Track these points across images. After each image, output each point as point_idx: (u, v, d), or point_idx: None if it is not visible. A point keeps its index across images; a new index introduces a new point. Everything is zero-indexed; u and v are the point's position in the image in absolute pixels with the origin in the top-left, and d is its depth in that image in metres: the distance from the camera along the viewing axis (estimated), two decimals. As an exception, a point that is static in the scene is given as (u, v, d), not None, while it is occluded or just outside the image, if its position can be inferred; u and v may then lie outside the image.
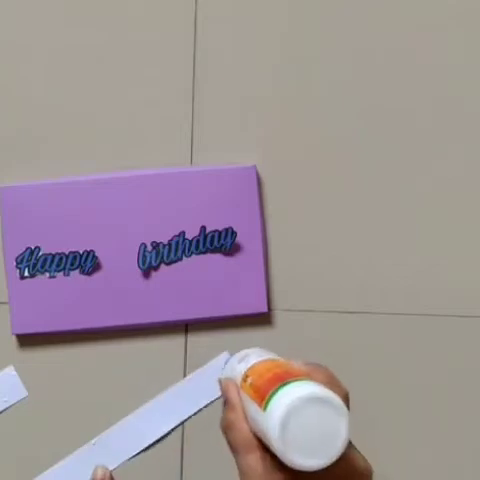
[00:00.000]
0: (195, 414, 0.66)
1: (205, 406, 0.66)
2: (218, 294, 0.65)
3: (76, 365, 0.66)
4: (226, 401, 0.49)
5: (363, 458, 0.47)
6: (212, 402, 0.66)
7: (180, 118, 0.67)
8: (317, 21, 0.68)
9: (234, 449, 0.46)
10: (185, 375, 0.66)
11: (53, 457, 0.65)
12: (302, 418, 0.41)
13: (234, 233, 0.65)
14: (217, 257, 0.65)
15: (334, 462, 0.42)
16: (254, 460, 0.45)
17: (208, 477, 0.66)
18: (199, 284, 0.65)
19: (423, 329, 0.66)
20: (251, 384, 0.47)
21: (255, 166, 0.66)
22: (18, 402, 0.66)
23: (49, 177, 0.66)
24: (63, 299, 0.65)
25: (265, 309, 0.65)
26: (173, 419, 0.66)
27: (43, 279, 0.65)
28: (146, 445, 0.65)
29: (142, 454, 0.66)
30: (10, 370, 0.66)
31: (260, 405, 0.44)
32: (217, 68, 0.67)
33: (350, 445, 0.46)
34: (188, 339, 0.66)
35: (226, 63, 0.67)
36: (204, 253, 0.65)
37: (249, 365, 0.50)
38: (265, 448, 0.45)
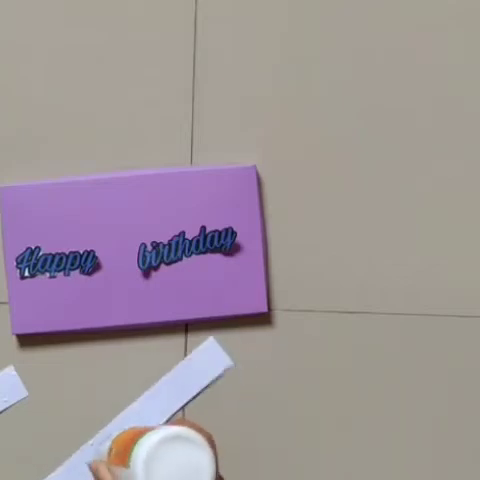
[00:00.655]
0: (186, 404, 0.66)
1: (196, 395, 0.66)
2: (218, 294, 0.65)
3: (76, 365, 0.66)
4: None
5: None
6: (203, 390, 0.65)
7: (180, 118, 0.67)
8: (317, 21, 0.68)
9: None
10: (185, 375, 0.66)
11: (53, 457, 0.65)
12: (162, 458, 0.43)
13: (234, 233, 0.65)
14: (217, 257, 0.65)
15: None
16: None
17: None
18: (199, 284, 0.65)
19: (423, 329, 0.66)
20: (115, 453, 0.49)
21: (255, 166, 0.66)
22: (18, 402, 0.66)
23: (49, 177, 0.66)
24: (63, 299, 0.65)
25: (265, 309, 0.65)
26: (166, 411, 0.65)
27: (43, 279, 0.65)
28: None
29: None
30: (10, 370, 0.66)
31: (124, 465, 0.45)
32: (217, 68, 0.67)
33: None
34: (188, 339, 0.66)
35: (226, 63, 0.67)
36: (204, 253, 0.65)
37: (112, 438, 0.52)
38: None
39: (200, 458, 0.43)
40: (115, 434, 0.52)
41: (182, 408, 0.65)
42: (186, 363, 0.65)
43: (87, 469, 0.52)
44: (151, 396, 0.65)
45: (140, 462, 0.43)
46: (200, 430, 0.47)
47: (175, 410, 0.65)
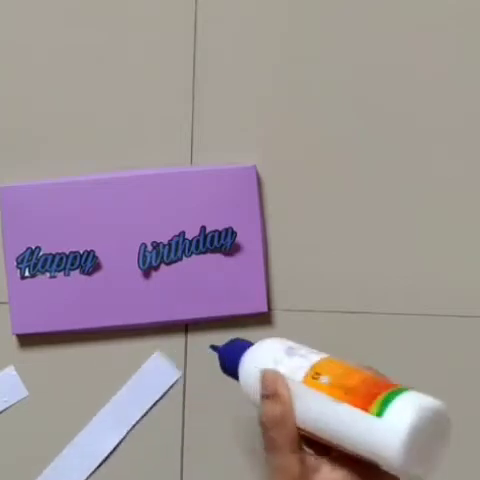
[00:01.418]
0: (141, 419, 0.66)
1: (149, 409, 0.66)
2: (218, 294, 0.65)
3: (76, 365, 0.66)
4: (273, 395, 0.45)
5: None
6: (155, 404, 0.65)
7: (180, 118, 0.67)
8: (317, 21, 0.68)
9: (275, 446, 0.44)
10: (185, 374, 0.66)
11: (53, 457, 0.65)
12: (423, 429, 0.40)
13: (234, 233, 0.65)
14: (217, 257, 0.65)
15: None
16: (295, 460, 0.44)
17: (208, 477, 0.66)
18: (199, 284, 0.65)
19: (423, 329, 0.66)
20: (334, 383, 0.44)
21: (255, 166, 0.66)
22: (18, 402, 0.66)
23: (49, 177, 0.66)
24: (63, 299, 0.65)
25: (265, 309, 0.65)
26: (120, 430, 0.65)
27: (43, 279, 0.65)
28: (99, 461, 0.65)
29: (142, 454, 0.66)
30: (10, 370, 0.66)
31: (364, 407, 0.41)
32: (217, 68, 0.67)
33: None
34: (188, 339, 0.66)
35: (226, 63, 0.67)
36: (204, 253, 0.65)
37: (315, 361, 0.47)
38: (303, 449, 0.44)
39: (445, 433, 0.42)
40: (316, 357, 0.47)
41: (137, 422, 0.65)
42: (136, 377, 0.66)
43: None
44: (106, 413, 0.65)
45: (407, 426, 0.39)
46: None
47: (129, 427, 0.65)
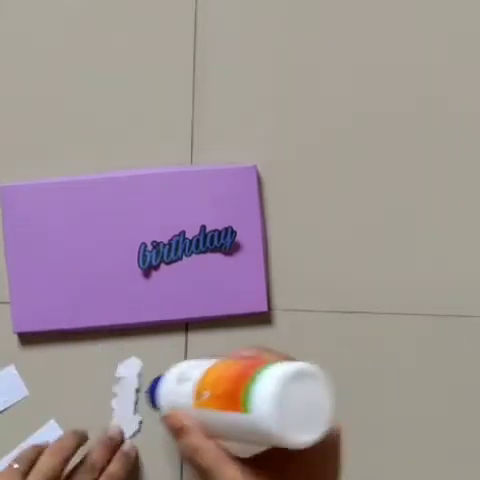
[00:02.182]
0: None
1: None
2: (218, 293, 0.65)
3: (77, 364, 0.66)
4: (178, 430, 0.47)
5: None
6: None
7: (180, 118, 0.67)
8: (317, 21, 0.68)
9: (208, 470, 0.45)
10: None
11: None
12: (291, 395, 0.41)
13: (234, 233, 0.65)
14: (217, 256, 0.65)
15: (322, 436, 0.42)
16: (233, 471, 0.44)
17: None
18: (199, 283, 0.65)
19: (423, 329, 0.66)
20: (212, 395, 0.46)
21: (255, 166, 0.66)
22: (19, 401, 0.66)
23: (49, 177, 0.66)
24: (64, 298, 0.65)
25: (265, 309, 0.65)
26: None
27: (44, 278, 0.65)
28: None
29: (143, 455, 0.66)
30: (11, 369, 0.66)
31: (234, 409, 0.43)
32: (217, 68, 0.67)
33: None
34: (188, 339, 0.66)
35: (226, 63, 0.68)
36: (204, 252, 0.65)
37: (197, 377, 0.48)
38: (237, 459, 0.44)
39: (324, 396, 0.43)
40: (197, 375, 0.48)
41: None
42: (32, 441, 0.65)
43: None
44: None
45: (268, 405, 0.41)
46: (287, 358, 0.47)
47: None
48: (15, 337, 0.66)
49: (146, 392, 0.55)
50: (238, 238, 0.65)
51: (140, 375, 0.65)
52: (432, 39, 0.68)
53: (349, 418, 0.66)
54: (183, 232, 0.65)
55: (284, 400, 0.41)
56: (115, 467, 0.61)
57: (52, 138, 0.67)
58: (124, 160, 0.67)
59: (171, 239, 0.65)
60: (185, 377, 0.49)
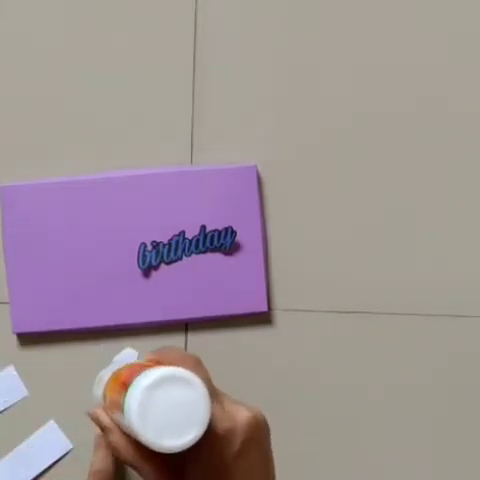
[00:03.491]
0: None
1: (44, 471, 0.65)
2: (218, 293, 0.65)
3: (76, 365, 0.66)
4: (100, 428, 0.49)
5: (246, 408, 0.46)
6: (50, 467, 0.65)
7: (180, 118, 0.67)
8: (318, 21, 0.68)
9: (130, 466, 0.46)
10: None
11: (53, 457, 0.65)
12: (156, 402, 0.42)
13: (234, 232, 0.65)
14: (217, 256, 0.65)
15: (201, 437, 0.42)
16: (153, 469, 0.45)
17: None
18: (199, 283, 0.65)
19: (423, 329, 0.66)
20: (110, 401, 0.48)
21: (255, 166, 0.66)
22: (18, 402, 0.66)
23: (49, 177, 0.66)
24: (64, 298, 0.65)
25: (265, 309, 0.65)
26: None
27: (44, 278, 0.65)
28: None
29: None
30: (10, 370, 0.66)
31: (119, 410, 0.44)
32: (217, 68, 0.67)
33: (224, 399, 0.46)
34: (188, 338, 0.66)
35: (226, 63, 0.68)
36: (204, 252, 0.65)
37: (103, 384, 0.51)
38: (157, 455, 0.44)
39: (196, 398, 0.42)
40: (106, 378, 0.52)
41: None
42: (30, 441, 0.65)
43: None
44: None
45: (134, 408, 0.42)
46: (186, 357, 0.48)
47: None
48: (14, 337, 0.66)
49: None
50: (238, 238, 0.65)
51: None
52: (432, 39, 0.68)
53: (349, 418, 0.66)
54: (183, 232, 0.65)
55: (149, 407, 0.42)
56: (97, 463, 0.60)
57: (52, 138, 0.67)
58: (124, 160, 0.67)
59: (171, 239, 0.65)
60: (101, 380, 0.53)
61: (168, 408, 0.42)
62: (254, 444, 0.45)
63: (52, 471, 0.65)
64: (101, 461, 0.61)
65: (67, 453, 0.65)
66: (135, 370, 0.46)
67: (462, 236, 0.67)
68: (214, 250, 0.65)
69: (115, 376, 0.50)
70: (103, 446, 0.62)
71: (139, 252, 0.65)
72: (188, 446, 0.42)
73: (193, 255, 0.65)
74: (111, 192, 0.65)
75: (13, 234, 0.65)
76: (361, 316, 0.66)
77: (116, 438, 0.47)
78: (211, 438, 0.44)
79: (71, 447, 0.65)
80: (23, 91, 0.68)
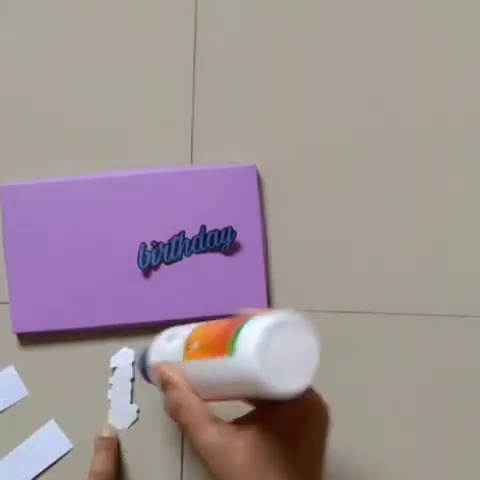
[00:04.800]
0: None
1: (43, 471, 0.65)
2: (218, 293, 0.65)
3: (76, 365, 0.66)
4: (165, 383, 0.48)
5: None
6: (50, 467, 0.65)
7: (180, 118, 0.67)
8: (318, 21, 0.68)
9: (191, 427, 0.46)
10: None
11: (53, 457, 0.65)
12: (276, 340, 0.42)
13: (234, 232, 0.65)
14: (217, 256, 0.65)
15: (306, 389, 0.43)
16: (215, 433, 0.45)
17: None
18: (199, 283, 0.65)
19: (423, 329, 0.66)
20: (200, 345, 0.47)
21: (255, 166, 0.66)
22: (18, 402, 0.66)
23: (49, 177, 0.66)
24: (64, 298, 0.65)
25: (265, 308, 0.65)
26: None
27: (44, 278, 0.65)
28: None
29: (142, 453, 0.66)
30: (10, 370, 0.66)
31: (222, 353, 0.44)
32: (217, 68, 0.68)
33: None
34: (188, 339, 0.66)
35: (226, 63, 0.68)
36: (204, 252, 0.65)
37: (187, 335, 0.50)
38: (218, 419, 0.45)
39: (311, 344, 0.44)
40: (186, 332, 0.51)
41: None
42: (30, 441, 0.65)
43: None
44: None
45: (253, 345, 0.42)
46: None
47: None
48: (14, 337, 0.66)
49: (137, 366, 0.56)
50: (238, 238, 0.65)
51: (134, 364, 0.65)
52: (431, 38, 0.68)
53: (348, 418, 0.66)
54: (183, 232, 0.65)
55: (269, 343, 0.42)
56: (98, 464, 0.61)
57: (52, 138, 0.67)
58: (124, 160, 0.67)
59: (171, 239, 0.65)
60: (174, 336, 0.52)
61: (284, 351, 0.43)
62: (316, 428, 0.47)
63: (52, 471, 0.65)
64: (102, 462, 0.61)
65: (67, 453, 0.65)
66: (243, 317, 0.46)
67: (462, 236, 0.67)
68: (214, 250, 0.65)
69: (209, 325, 0.49)
70: (104, 448, 0.62)
71: (139, 252, 0.65)
72: (299, 391, 0.42)
73: (193, 255, 0.65)
74: (111, 192, 0.65)
75: (13, 234, 0.65)
76: (361, 316, 0.66)
77: (182, 394, 0.46)
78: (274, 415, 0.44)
79: (71, 447, 0.65)
80: (23, 91, 0.68)
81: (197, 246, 0.65)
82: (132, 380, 0.66)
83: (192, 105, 0.67)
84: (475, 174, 0.67)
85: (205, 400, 0.47)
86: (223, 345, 0.44)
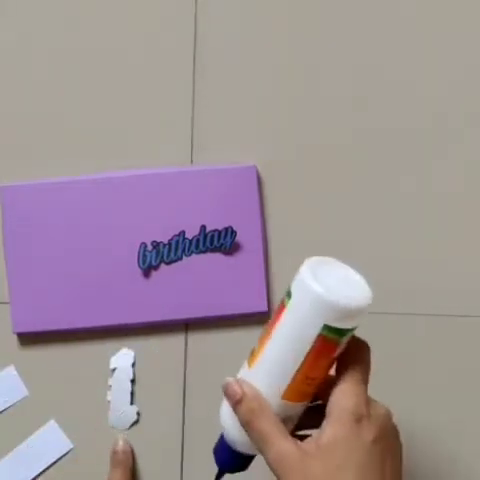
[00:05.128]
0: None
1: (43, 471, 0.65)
2: (218, 293, 0.65)
3: (76, 364, 0.66)
4: (240, 396, 0.47)
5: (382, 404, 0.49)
6: (50, 466, 0.65)
7: (180, 118, 0.67)
8: (317, 21, 0.68)
9: (266, 436, 0.45)
10: (185, 374, 0.66)
11: (53, 457, 0.65)
12: (322, 272, 0.46)
13: (234, 232, 0.65)
14: (217, 256, 0.65)
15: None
16: (290, 444, 0.44)
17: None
18: (199, 283, 0.65)
19: (423, 329, 0.66)
20: (258, 340, 0.48)
21: (255, 166, 0.66)
22: (18, 402, 0.66)
23: (49, 177, 0.66)
24: (64, 298, 0.65)
25: (265, 308, 0.65)
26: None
27: (44, 278, 0.65)
28: None
29: (142, 453, 0.66)
30: (11, 370, 0.66)
31: (280, 313, 0.46)
32: (217, 68, 0.68)
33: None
34: (188, 339, 0.66)
35: (226, 63, 0.68)
36: (204, 252, 0.65)
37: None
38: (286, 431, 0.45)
39: (350, 271, 0.48)
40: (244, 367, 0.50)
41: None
42: (30, 441, 0.65)
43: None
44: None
45: (306, 277, 0.45)
46: None
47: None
48: (15, 337, 0.66)
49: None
50: (238, 238, 0.65)
51: (134, 365, 0.65)
52: (431, 39, 0.68)
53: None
54: (183, 232, 0.65)
55: (317, 274, 0.45)
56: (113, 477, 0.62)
57: (52, 138, 0.67)
58: (124, 160, 0.67)
59: (171, 239, 0.65)
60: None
61: (332, 277, 0.46)
62: (388, 435, 0.47)
63: (52, 471, 0.65)
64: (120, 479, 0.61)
65: (67, 453, 0.65)
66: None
67: (462, 236, 0.67)
68: (214, 250, 0.65)
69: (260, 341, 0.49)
70: (123, 464, 0.62)
71: (139, 252, 0.65)
72: (369, 304, 0.45)
73: (193, 255, 0.65)
74: (111, 192, 0.65)
75: (13, 234, 0.65)
76: (361, 316, 0.66)
77: (257, 404, 0.46)
78: (348, 421, 0.44)
79: (71, 447, 0.65)
80: (23, 91, 0.68)
81: (197, 246, 0.65)
82: (132, 381, 0.66)
83: (192, 105, 0.67)
84: (475, 174, 0.67)
85: (281, 397, 0.47)
86: (277, 313, 0.46)
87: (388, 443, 0.47)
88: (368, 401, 0.46)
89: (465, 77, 0.68)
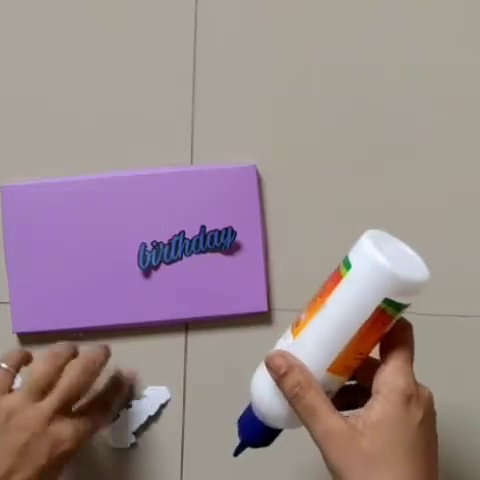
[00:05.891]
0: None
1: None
2: (218, 293, 0.65)
3: (76, 365, 0.66)
4: (287, 368, 0.46)
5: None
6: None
7: (180, 118, 0.67)
8: (317, 21, 0.68)
9: (314, 410, 0.44)
10: (185, 374, 0.66)
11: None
12: (383, 243, 0.45)
13: (234, 232, 0.65)
14: (217, 256, 0.65)
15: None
16: (339, 418, 0.44)
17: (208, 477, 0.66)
18: (199, 283, 0.65)
19: (423, 329, 0.66)
20: (308, 306, 0.48)
21: (255, 166, 0.66)
22: (18, 402, 0.66)
23: (49, 176, 0.66)
24: (64, 298, 0.65)
25: (265, 309, 0.65)
26: None
27: (44, 278, 0.65)
28: None
29: (142, 453, 0.66)
30: (10, 370, 0.66)
31: (336, 281, 0.46)
32: (217, 68, 0.68)
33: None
34: (188, 338, 0.66)
35: (226, 63, 0.68)
36: (204, 252, 0.65)
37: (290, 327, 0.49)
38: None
39: (415, 254, 0.47)
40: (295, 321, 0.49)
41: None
42: None
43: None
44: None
45: (368, 245, 0.45)
46: None
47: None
48: (14, 337, 0.66)
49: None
50: (238, 238, 0.65)
51: (162, 406, 0.66)
52: (431, 39, 0.68)
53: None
54: (183, 232, 0.65)
55: (379, 244, 0.44)
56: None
57: (52, 138, 0.67)
58: (124, 160, 0.67)
59: (171, 239, 0.65)
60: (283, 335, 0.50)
61: (393, 250, 0.45)
62: (432, 417, 0.47)
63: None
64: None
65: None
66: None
67: (462, 236, 0.67)
68: (214, 250, 0.65)
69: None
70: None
71: (139, 252, 0.65)
72: (427, 281, 0.45)
73: (193, 255, 0.65)
74: (111, 192, 0.65)
75: (13, 234, 0.65)
76: (361, 316, 0.66)
77: (303, 377, 0.45)
78: (398, 401, 0.44)
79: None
80: (23, 91, 0.68)
81: (197, 246, 0.65)
82: (149, 417, 0.66)
83: (192, 105, 0.67)
84: (475, 174, 0.67)
85: (327, 369, 0.46)
86: (332, 283, 0.45)
87: (432, 426, 0.47)
88: (416, 382, 0.46)
89: (466, 76, 0.68)
